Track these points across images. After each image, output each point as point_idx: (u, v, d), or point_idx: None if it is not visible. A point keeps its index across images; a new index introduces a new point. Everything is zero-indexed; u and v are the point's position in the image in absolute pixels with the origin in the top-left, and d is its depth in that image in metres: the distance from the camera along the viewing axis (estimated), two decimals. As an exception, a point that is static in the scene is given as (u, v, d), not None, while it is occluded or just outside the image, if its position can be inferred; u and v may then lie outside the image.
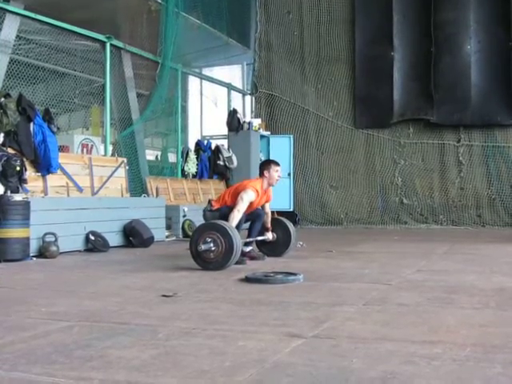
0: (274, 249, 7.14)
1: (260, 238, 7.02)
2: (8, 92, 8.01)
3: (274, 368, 2.49)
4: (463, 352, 2.69)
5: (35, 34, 10.15)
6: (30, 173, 7.87)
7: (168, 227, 10.20)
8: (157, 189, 10.60)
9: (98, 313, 3.73)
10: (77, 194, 8.68)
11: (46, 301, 4.21)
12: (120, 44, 10.68)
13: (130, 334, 3.12)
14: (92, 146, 11.02)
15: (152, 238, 8.82)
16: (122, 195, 9.58)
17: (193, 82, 15.61)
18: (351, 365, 2.51)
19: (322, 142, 14.89)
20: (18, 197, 7.00)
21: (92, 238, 8.01)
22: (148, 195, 10.55)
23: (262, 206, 6.97)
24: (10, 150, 7.64)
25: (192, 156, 12.32)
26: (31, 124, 7.95)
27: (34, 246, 7.16)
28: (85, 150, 10.75)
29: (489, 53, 13.76)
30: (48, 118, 8.28)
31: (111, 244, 8.29)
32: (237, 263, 5.94)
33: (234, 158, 13.12)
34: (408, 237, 10.96)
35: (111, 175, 9.42)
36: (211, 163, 12.87)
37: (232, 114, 13.66)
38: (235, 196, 6.48)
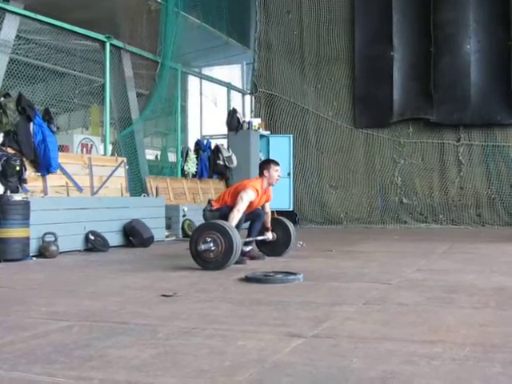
0: (274, 248, 7.14)
1: (260, 237, 7.02)
2: (8, 92, 8.01)
3: (273, 368, 2.49)
4: (463, 351, 2.70)
5: (35, 34, 10.14)
6: (29, 173, 7.87)
7: (168, 227, 10.20)
8: (156, 188, 10.60)
9: (97, 312, 3.73)
10: (76, 193, 8.68)
11: (45, 300, 4.21)
12: (120, 44, 10.68)
13: (130, 333, 3.12)
14: (92, 145, 11.02)
15: (152, 237, 8.82)
16: (122, 195, 9.58)
17: (192, 82, 15.62)
18: (351, 364, 2.51)
19: (321, 142, 14.89)
20: (17, 197, 7.01)
21: (92, 237, 8.01)
22: (148, 195, 10.55)
23: (262, 206, 6.96)
24: (9, 150, 7.64)
25: (192, 156, 12.32)
26: (31, 124, 7.95)
27: (33, 246, 7.16)
28: (84, 149, 10.77)
29: (488, 52, 13.76)
30: (48, 117, 8.28)
31: (111, 244, 8.29)
32: (237, 263, 5.94)
33: (234, 158, 13.12)
34: (408, 236, 10.96)
35: (111, 175, 9.42)
36: (211, 163, 12.88)
37: (232, 113, 13.66)
38: (235, 196, 6.48)
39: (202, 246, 5.69)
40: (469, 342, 2.87)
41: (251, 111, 15.53)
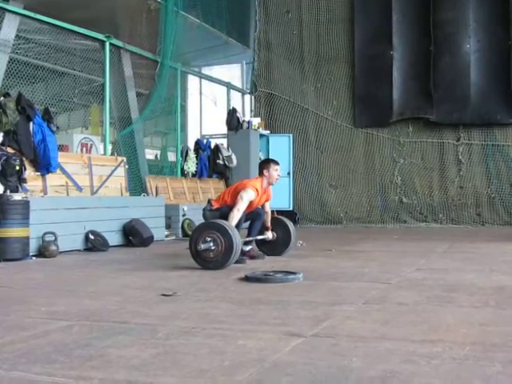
0: (274, 248, 7.14)
1: (260, 237, 7.02)
2: (7, 91, 8.01)
3: (273, 367, 2.49)
4: (463, 351, 2.70)
5: (34, 34, 10.14)
6: (29, 172, 7.87)
7: (167, 226, 10.20)
8: (156, 188, 10.60)
9: (97, 312, 3.73)
10: (76, 193, 8.67)
11: (45, 300, 4.21)
12: (119, 43, 10.68)
13: (130, 333, 3.12)
14: (91, 145, 11.02)
15: (151, 237, 8.82)
16: (122, 194, 9.58)
17: (192, 81, 15.62)
18: (351, 364, 2.51)
19: (321, 141, 14.89)
20: (17, 196, 7.00)
21: (92, 237, 8.01)
22: (147, 194, 10.55)
23: (262, 206, 6.96)
24: (9, 150, 7.64)
25: (191, 155, 12.32)
26: (31, 123, 7.95)
27: (33, 246, 7.16)
28: (84, 149, 10.76)
29: (488, 52, 13.76)
30: (47, 117, 8.28)
31: (111, 243, 8.29)
32: (236, 262, 5.94)
33: (234, 157, 13.12)
34: (407, 236, 10.97)
35: (111, 174, 9.42)
36: (211, 162, 12.88)
37: (231, 113, 13.67)
38: (235, 195, 6.47)
39: (202, 246, 5.69)
40: (469, 341, 2.87)
41: (251, 111, 15.53)
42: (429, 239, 10.02)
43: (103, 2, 10.71)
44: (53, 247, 7.22)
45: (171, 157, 13.04)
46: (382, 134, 14.55)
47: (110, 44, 10.19)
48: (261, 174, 6.78)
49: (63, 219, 7.76)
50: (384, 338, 2.98)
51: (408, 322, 3.34)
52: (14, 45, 9.19)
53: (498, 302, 4.00)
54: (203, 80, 15.36)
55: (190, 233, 8.73)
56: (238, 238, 5.74)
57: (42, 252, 7.20)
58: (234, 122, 13.42)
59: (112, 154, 10.69)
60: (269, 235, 7.04)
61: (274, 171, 6.76)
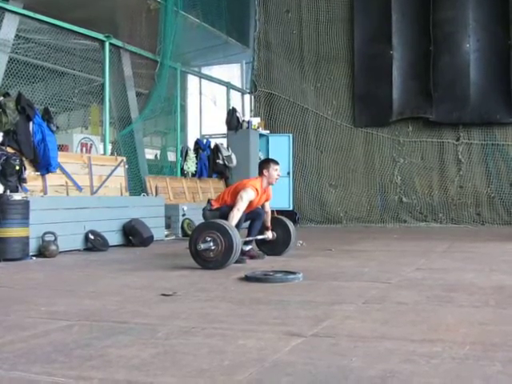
0: (274, 248, 7.14)
1: (260, 236, 7.02)
2: (7, 91, 8.01)
3: (273, 367, 2.49)
4: (462, 350, 2.70)
5: (34, 33, 10.14)
6: (29, 172, 7.87)
7: (167, 226, 10.20)
8: (156, 188, 10.60)
9: (97, 312, 3.73)
10: (76, 193, 8.67)
11: (45, 300, 4.21)
12: (119, 43, 10.68)
13: (130, 333, 3.12)
14: (91, 145, 11.02)
15: (151, 237, 8.82)
16: (122, 194, 9.58)
17: (192, 81, 15.62)
18: (350, 363, 2.51)
19: (321, 141, 14.89)
20: (17, 196, 7.00)
21: (91, 237, 8.01)
22: (147, 194, 10.55)
23: (262, 205, 6.96)
24: (9, 150, 7.64)
25: (191, 155, 12.32)
26: (30, 123, 7.94)
27: (33, 246, 7.16)
28: (84, 149, 10.75)
29: (488, 51, 13.77)
30: (47, 117, 8.27)
31: (111, 243, 8.29)
32: (236, 262, 5.94)
33: (234, 157, 13.12)
34: (407, 235, 10.97)
35: (110, 174, 9.42)
36: (210, 162, 12.88)
37: (231, 112, 13.67)
38: (235, 195, 6.47)
39: (202, 246, 5.69)
40: (468, 341, 2.87)
41: (251, 110, 15.53)
42: (429, 239, 10.02)
43: (103, 1, 10.71)
44: (53, 247, 7.22)
45: (171, 156, 13.04)
46: (382, 134, 14.55)
47: (110, 44, 10.19)
48: (260, 173, 6.78)
49: (63, 219, 7.76)
50: (384, 337, 2.98)
51: (408, 322, 3.34)
52: (13, 44, 9.18)
53: (498, 301, 4.00)
54: (203, 80, 15.36)
55: (189, 232, 8.72)
56: (237, 238, 5.74)
57: (42, 252, 7.20)
58: (233, 121, 13.42)
59: (112, 153, 10.70)
60: (269, 235, 7.04)
61: (274, 171, 6.76)
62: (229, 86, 15.27)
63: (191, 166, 12.24)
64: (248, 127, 13.39)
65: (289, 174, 14.08)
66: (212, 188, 12.73)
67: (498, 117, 13.70)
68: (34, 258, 7.05)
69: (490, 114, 13.71)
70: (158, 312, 3.72)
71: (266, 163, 6.87)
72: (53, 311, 3.79)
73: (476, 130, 14.01)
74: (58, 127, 9.00)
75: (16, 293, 4.66)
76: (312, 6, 14.94)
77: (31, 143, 7.93)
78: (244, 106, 16.01)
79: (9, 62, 8.86)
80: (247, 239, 6.80)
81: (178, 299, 4.17)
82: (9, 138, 7.66)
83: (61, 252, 7.39)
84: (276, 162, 6.85)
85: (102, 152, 10.63)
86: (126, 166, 9.91)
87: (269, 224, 7.07)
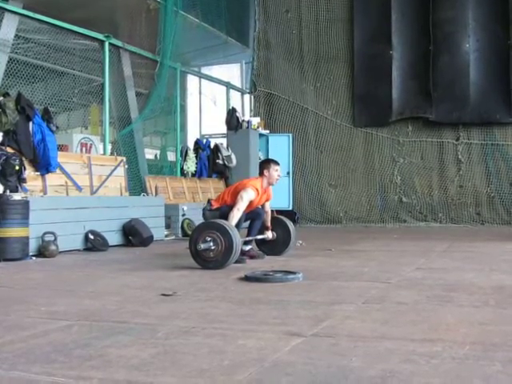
0: (274, 248, 7.14)
1: (260, 236, 7.01)
2: (7, 91, 8.00)
3: (273, 367, 2.49)
4: (462, 350, 2.70)
5: (34, 33, 10.13)
6: (29, 172, 7.86)
7: (167, 226, 10.20)
8: (156, 188, 10.60)
9: (97, 312, 3.73)
10: (76, 193, 8.67)
11: (45, 300, 4.21)
12: (119, 43, 10.68)
13: (130, 332, 3.12)
14: (91, 144, 11.01)
15: (151, 237, 8.81)
16: (121, 194, 9.57)
17: (192, 81, 15.62)
18: (350, 363, 2.51)
19: (321, 141, 14.89)
20: (17, 196, 7.00)
21: (91, 237, 8.01)
22: (147, 194, 10.54)
23: (262, 205, 6.95)
24: (9, 150, 7.63)
25: (191, 155, 12.32)
26: (30, 123, 7.94)
27: (33, 246, 7.16)
28: (84, 149, 10.75)
29: (487, 51, 13.77)
30: (47, 117, 8.28)
31: (110, 243, 8.29)
32: (236, 262, 5.94)
33: (233, 157, 13.12)
34: (407, 235, 10.97)
35: (110, 174, 9.42)
36: (210, 162, 12.88)
37: (231, 112, 13.67)
38: (235, 195, 6.46)
39: (202, 246, 5.69)
40: (468, 341, 2.87)
41: (250, 110, 15.53)
42: (428, 238, 10.02)
43: (102, 1, 10.71)
44: (52, 247, 7.22)
45: (171, 156, 13.03)
46: (382, 134, 14.55)
47: (110, 44, 10.18)
48: (261, 174, 6.77)
49: (63, 219, 7.75)
50: (384, 337, 2.98)
51: (408, 322, 3.34)
52: (13, 44, 9.18)
53: (498, 301, 3.99)
54: (203, 80, 15.36)
55: (189, 232, 8.72)
56: (237, 238, 5.74)
57: (42, 252, 7.20)
58: (233, 121, 13.42)
59: (111, 153, 10.69)
60: (269, 235, 7.04)
61: (275, 171, 6.75)
62: (228, 85, 15.27)
63: (191, 165, 12.24)
64: (248, 127, 13.39)
65: (288, 173, 14.08)
66: (212, 188, 12.72)
67: (498, 116, 13.70)
68: (34, 258, 7.05)
69: (489, 113, 13.71)
70: (158, 312, 3.72)
71: (266, 163, 6.87)
72: (52, 311, 3.79)
73: (476, 129, 14.01)
74: (57, 127, 9.00)
75: (16, 293, 4.66)
76: (312, 6, 14.94)
77: (31, 143, 7.93)
78: (244, 105, 16.01)
79: (8, 61, 8.86)
80: (247, 239, 6.80)
81: (178, 299, 4.17)
82: (9, 138, 7.66)
83: (61, 252, 7.39)
84: (276, 163, 6.85)
85: (101, 152, 10.63)
86: (126, 166, 9.91)
87: (269, 224, 7.07)
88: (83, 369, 2.48)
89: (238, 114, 13.64)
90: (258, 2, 15.35)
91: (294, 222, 12.41)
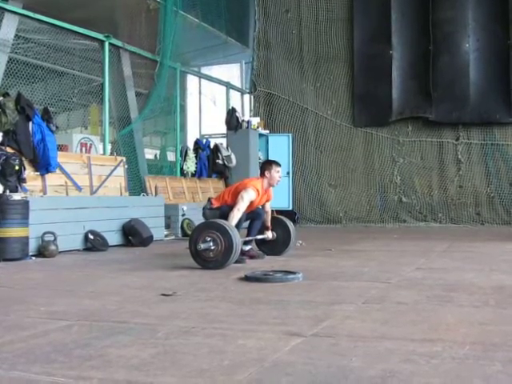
0: (274, 247, 7.14)
1: (260, 236, 7.01)
2: (7, 91, 8.00)
3: (273, 367, 2.49)
4: (462, 350, 2.69)
5: (34, 33, 10.13)
6: (28, 172, 7.86)
7: (167, 226, 10.20)
8: (156, 188, 10.60)
9: (97, 312, 3.73)
10: (76, 193, 8.67)
11: (45, 300, 4.21)
12: (118, 43, 10.68)
13: (130, 332, 3.12)
14: (91, 144, 11.01)
15: (151, 237, 8.81)
16: (121, 194, 9.57)
17: (191, 81, 15.62)
18: (350, 363, 2.51)
19: (320, 141, 14.89)
20: (16, 196, 7.00)
21: (91, 237, 8.01)
22: (147, 194, 10.54)
23: (262, 205, 6.95)
24: (8, 149, 7.63)
25: (191, 155, 12.32)
26: (30, 123, 7.94)
27: (33, 246, 7.16)
28: (84, 148, 10.75)
29: (487, 51, 13.77)
30: (47, 117, 8.27)
31: (110, 243, 8.29)
32: (236, 262, 5.93)
33: (233, 157, 13.12)
34: (407, 235, 10.97)
35: (110, 174, 9.42)
36: (210, 162, 12.88)
37: (231, 112, 13.67)
38: (235, 195, 6.45)
39: (202, 246, 5.68)
40: (468, 341, 2.87)
41: (250, 110, 15.53)
42: (428, 238, 10.02)
43: (102, 1, 10.71)
44: (52, 247, 7.22)
45: (170, 156, 13.04)
46: (382, 134, 14.55)
47: (110, 44, 10.18)
48: (262, 174, 6.76)
49: (63, 219, 7.75)
50: (384, 337, 2.98)
51: (408, 322, 3.34)
52: (13, 44, 9.18)
53: (498, 301, 3.99)
54: (202, 80, 15.36)
55: (189, 232, 8.72)
56: (237, 238, 5.74)
57: (42, 252, 7.20)
58: (233, 121, 13.42)
59: (111, 153, 10.69)
60: (269, 235, 7.03)
61: (276, 173, 6.74)
62: (228, 85, 15.27)
63: (191, 165, 12.23)
64: (247, 127, 13.39)
65: (288, 173, 14.07)
66: (212, 188, 12.72)
67: (498, 116, 13.70)
68: (34, 257, 7.05)
69: (489, 113, 13.71)
70: (158, 312, 3.72)
71: (267, 164, 6.85)
72: (52, 311, 3.78)
73: (475, 129, 14.01)
74: (57, 127, 9.00)
75: (15, 293, 4.66)
76: (311, 6, 14.94)
77: (31, 143, 7.93)
78: (243, 105, 16.01)
79: (8, 61, 8.86)
80: (247, 239, 6.80)
81: (178, 299, 4.17)
82: (8, 138, 7.65)
83: (60, 252, 7.39)
84: (278, 164, 6.83)
85: (101, 152, 10.63)
86: (126, 166, 9.91)
87: (269, 224, 7.07)
88: (83, 369, 2.48)
89: (237, 114, 13.64)
90: (257, 2, 15.34)
91: (294, 222, 12.40)
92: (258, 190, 6.52)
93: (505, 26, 13.52)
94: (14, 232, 6.77)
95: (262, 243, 7.17)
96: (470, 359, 2.56)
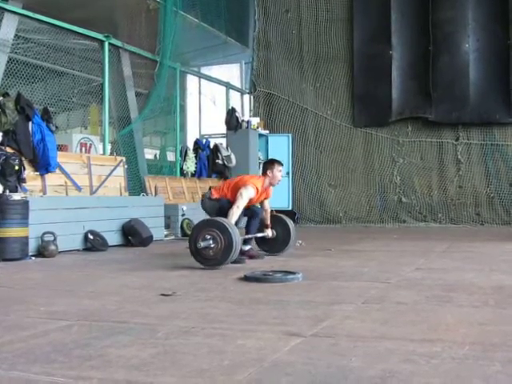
0: (274, 246, 7.14)
1: (260, 234, 7.01)
2: (6, 91, 8.00)
3: (273, 367, 2.49)
4: (462, 350, 2.69)
5: (33, 33, 10.13)
6: (28, 172, 7.86)
7: (167, 226, 10.20)
8: (155, 188, 10.60)
9: (97, 312, 3.73)
10: (75, 193, 8.67)
11: (44, 300, 4.21)
12: (118, 43, 10.68)
13: (129, 332, 3.12)
14: (91, 144, 11.01)
15: (151, 237, 8.81)
16: (121, 194, 9.57)
17: (191, 81, 15.62)
18: (350, 363, 2.51)
19: (320, 141, 14.89)
20: (16, 196, 7.00)
21: (91, 237, 8.01)
22: (147, 194, 10.54)
23: (261, 203, 6.95)
24: (8, 149, 7.63)
25: (191, 155, 12.32)
26: (30, 123, 7.94)
27: (32, 246, 7.15)
28: (83, 148, 10.75)
29: (487, 51, 13.77)
30: (47, 117, 8.27)
31: (110, 243, 8.29)
32: (236, 262, 5.93)
33: (233, 157, 13.12)
34: (407, 235, 10.97)
35: (110, 174, 9.42)
36: (210, 162, 12.88)
37: (231, 112, 13.67)
38: (235, 191, 6.41)
39: (202, 244, 5.68)
40: (468, 341, 2.87)
41: (250, 110, 15.53)
42: (428, 239, 10.02)
43: (102, 1, 10.71)
44: (52, 247, 7.22)
45: (170, 156, 13.04)
46: (381, 134, 14.55)
47: (109, 44, 10.18)
48: (264, 173, 6.74)
49: (62, 219, 7.75)
50: (383, 337, 2.98)
51: (407, 322, 3.34)
52: (13, 44, 9.18)
53: (498, 301, 3.99)
54: (202, 80, 15.36)
55: (189, 232, 8.71)
56: (237, 236, 5.74)
57: (42, 252, 7.20)
58: (233, 121, 13.43)
59: (111, 153, 10.69)
60: (268, 233, 7.03)
61: (278, 172, 6.72)
62: (228, 85, 15.28)
63: (190, 165, 12.24)
64: (247, 127, 13.40)
65: (288, 173, 14.08)
66: (211, 188, 12.71)
67: (498, 117, 13.70)
68: (34, 257, 7.05)
69: (489, 113, 13.71)
70: (158, 312, 3.72)
71: (270, 164, 6.82)
72: (52, 311, 3.78)
73: (475, 129, 14.01)
74: (57, 127, 9.00)
75: (15, 293, 4.66)
76: (311, 6, 14.94)
77: (30, 143, 7.93)
78: (243, 105, 16.01)
79: (8, 61, 8.86)
80: (247, 237, 6.79)
81: (178, 299, 4.17)
82: (8, 138, 7.65)
83: (60, 252, 7.38)
84: (280, 163, 6.81)
85: (101, 152, 10.63)
86: (126, 166, 9.91)
87: (268, 222, 7.06)
88: (83, 369, 2.48)
89: (237, 114, 13.64)
90: (257, 2, 15.34)
91: (294, 221, 12.37)
92: (257, 189, 6.50)
93: (505, 26, 13.53)
94: (13, 232, 6.77)
95: (262, 241, 7.17)
96: (470, 359, 2.56)
